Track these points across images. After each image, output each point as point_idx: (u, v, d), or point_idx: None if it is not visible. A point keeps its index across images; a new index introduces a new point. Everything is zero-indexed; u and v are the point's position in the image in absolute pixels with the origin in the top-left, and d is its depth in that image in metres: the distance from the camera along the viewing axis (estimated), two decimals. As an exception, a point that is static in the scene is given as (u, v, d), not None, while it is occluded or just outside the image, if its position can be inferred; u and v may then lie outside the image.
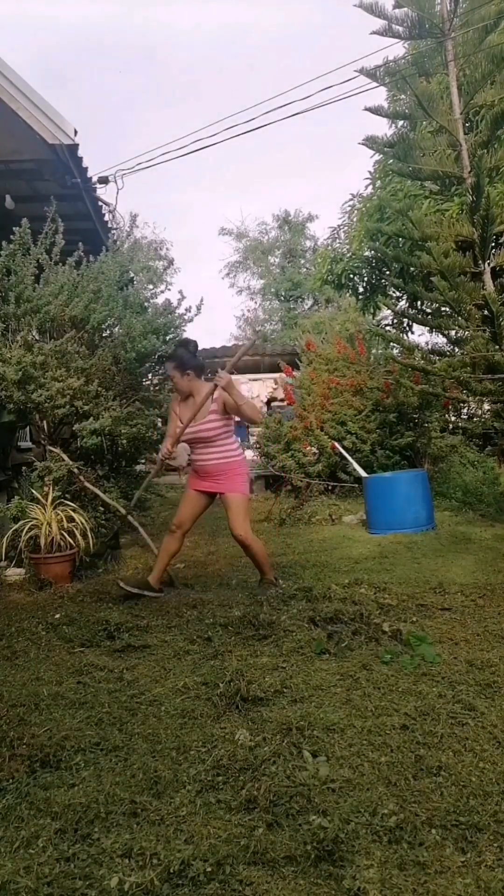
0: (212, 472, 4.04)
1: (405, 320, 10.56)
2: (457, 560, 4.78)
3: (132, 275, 6.92)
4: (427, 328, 8.49)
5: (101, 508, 5.43)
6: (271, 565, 4.31)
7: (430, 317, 8.23)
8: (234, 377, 13.48)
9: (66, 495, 5.07)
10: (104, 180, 7.82)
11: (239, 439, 4.19)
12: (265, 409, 14.01)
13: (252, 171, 49.09)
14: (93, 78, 47.47)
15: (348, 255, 10.85)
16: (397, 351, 8.96)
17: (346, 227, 11.49)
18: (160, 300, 6.81)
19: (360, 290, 11.44)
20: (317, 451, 8.13)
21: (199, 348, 4.50)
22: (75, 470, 5.15)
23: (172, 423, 4.14)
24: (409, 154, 6.79)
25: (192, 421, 3.93)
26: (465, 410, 10.01)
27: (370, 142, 7.30)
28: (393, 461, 8.03)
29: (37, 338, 5.33)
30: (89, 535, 4.82)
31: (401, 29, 6.74)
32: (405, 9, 6.60)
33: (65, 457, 5.23)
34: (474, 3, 6.48)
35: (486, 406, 8.71)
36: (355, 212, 11.09)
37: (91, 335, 5.80)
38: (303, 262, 29.89)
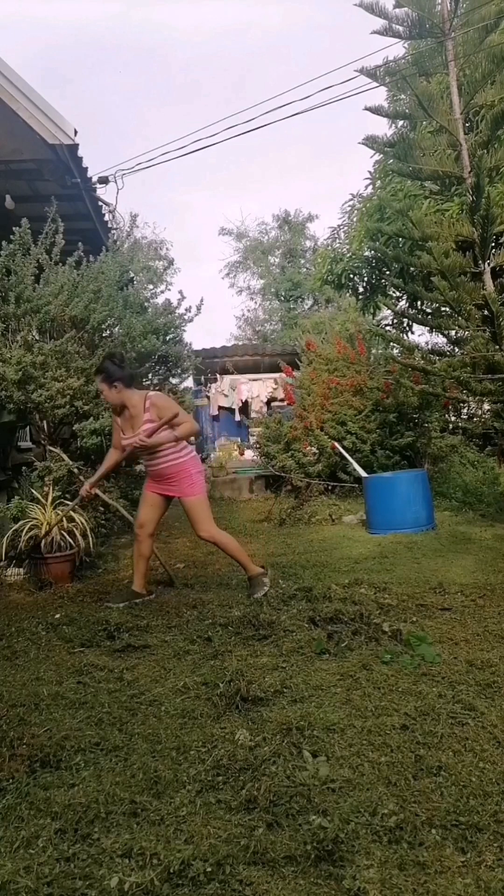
0: (164, 475, 4.06)
1: (405, 320, 10.56)
2: (457, 560, 4.78)
3: (132, 275, 6.93)
4: (427, 328, 8.49)
5: (101, 508, 5.43)
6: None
7: (430, 317, 8.23)
8: (233, 377, 13.44)
9: (66, 495, 5.07)
10: (104, 180, 7.83)
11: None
12: (265, 409, 14.02)
13: (252, 171, 49.09)
14: (93, 78, 47.44)
15: (348, 255, 10.85)
16: (397, 351, 8.96)
17: (346, 227, 11.49)
18: (160, 300, 6.83)
19: (360, 290, 11.43)
20: (317, 451, 8.13)
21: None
22: (75, 470, 5.14)
23: (115, 434, 4.17)
24: (409, 154, 6.79)
25: (132, 432, 3.98)
26: (465, 410, 10.01)
27: (370, 141, 7.31)
28: (393, 461, 8.03)
29: (37, 338, 5.34)
30: (89, 535, 4.82)
31: (401, 28, 6.75)
32: (405, 8, 6.60)
33: (65, 457, 5.23)
34: (474, 3, 6.48)
35: (486, 406, 8.70)
36: (355, 212, 11.10)
37: (91, 335, 5.80)
38: (303, 262, 29.85)
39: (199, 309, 6.88)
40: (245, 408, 15.30)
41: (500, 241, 8.03)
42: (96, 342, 5.90)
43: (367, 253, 10.52)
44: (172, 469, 4.02)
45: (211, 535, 4.07)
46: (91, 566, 5.09)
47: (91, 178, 7.46)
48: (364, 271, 10.94)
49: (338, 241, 11.57)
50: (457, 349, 7.27)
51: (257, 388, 15.45)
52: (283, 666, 2.80)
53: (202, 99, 46.10)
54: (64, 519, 4.71)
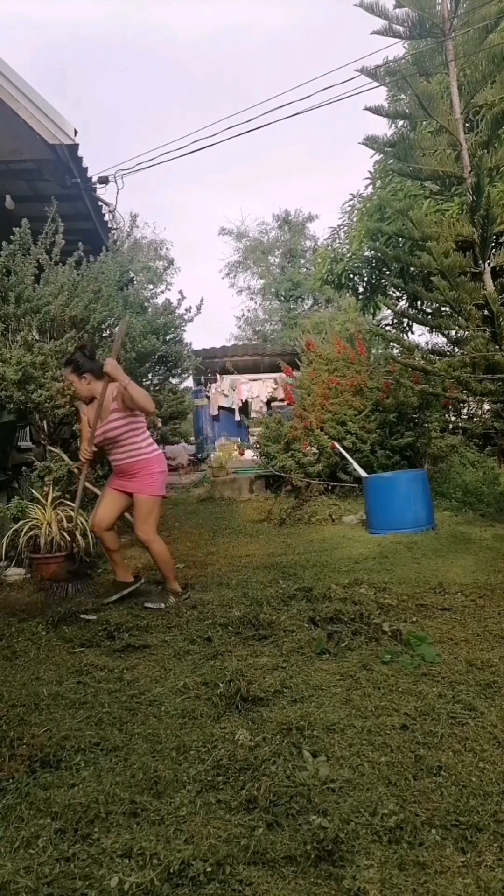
0: (125, 470, 4.02)
1: (405, 320, 10.56)
2: (457, 560, 4.78)
3: (132, 275, 6.93)
4: (427, 328, 8.49)
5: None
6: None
7: (430, 317, 8.23)
8: (233, 377, 13.44)
9: (66, 495, 5.07)
10: (104, 180, 7.84)
11: (149, 436, 4.10)
12: (265, 409, 14.01)
13: (252, 171, 49.15)
14: (93, 78, 47.53)
15: (348, 255, 10.85)
16: (397, 351, 8.96)
17: (346, 227, 11.50)
18: (160, 300, 6.84)
19: (360, 290, 11.44)
20: (317, 451, 8.13)
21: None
22: (75, 470, 5.14)
23: (84, 427, 4.11)
24: (410, 154, 6.79)
25: (98, 421, 3.91)
26: (465, 410, 10.01)
27: (370, 141, 7.31)
28: (393, 461, 8.03)
29: (37, 338, 5.34)
30: (89, 535, 4.82)
31: (401, 28, 6.75)
32: (406, 8, 6.60)
33: (65, 457, 5.23)
34: (475, 3, 6.48)
35: (486, 406, 8.71)
36: (355, 212, 11.10)
37: (91, 335, 5.80)
38: (303, 262, 29.89)
39: (198, 309, 6.89)
40: (245, 408, 15.30)
41: (500, 240, 8.03)
42: (96, 342, 5.90)
43: (367, 253, 10.53)
44: (137, 464, 3.99)
45: (149, 538, 4.03)
46: (91, 566, 5.09)
47: (91, 178, 7.47)
48: (364, 271, 10.95)
49: (338, 241, 11.57)
50: (457, 349, 7.27)
51: (257, 388, 15.46)
52: (283, 666, 2.80)
53: (202, 99, 46.17)
54: (64, 519, 4.72)
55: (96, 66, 47.84)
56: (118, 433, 3.95)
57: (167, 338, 6.60)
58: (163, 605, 3.91)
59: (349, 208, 11.51)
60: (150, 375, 6.76)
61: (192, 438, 16.23)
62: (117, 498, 4.11)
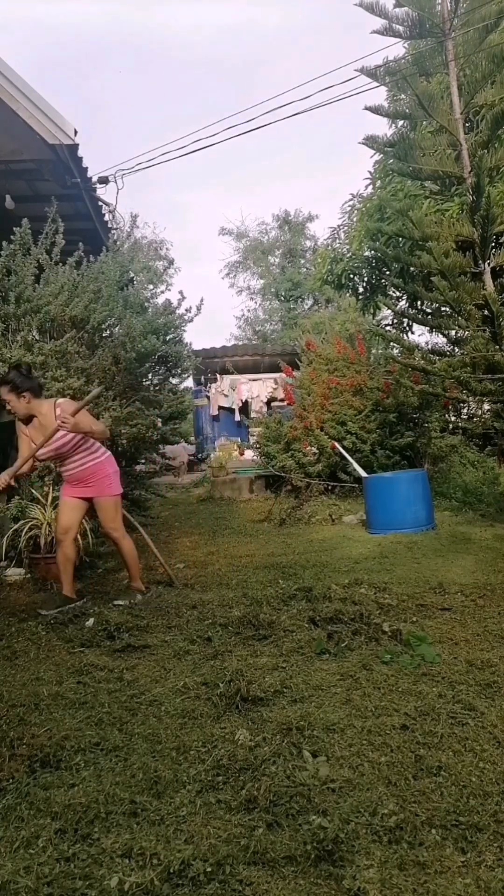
0: (80, 478, 4.04)
1: (405, 320, 10.57)
2: (457, 560, 4.78)
3: (132, 275, 6.93)
4: (427, 328, 8.50)
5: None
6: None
7: (430, 317, 8.23)
8: (233, 377, 13.38)
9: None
10: (104, 180, 7.84)
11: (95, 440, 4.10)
12: (265, 409, 14.01)
13: (252, 171, 49.17)
14: (93, 78, 47.50)
15: (348, 255, 10.86)
16: (397, 351, 8.96)
17: (346, 227, 11.51)
18: (160, 300, 6.83)
19: (360, 290, 11.45)
20: (317, 451, 8.13)
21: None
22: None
23: (24, 445, 4.04)
24: (410, 154, 6.80)
25: (46, 442, 3.88)
26: (465, 410, 10.01)
27: (370, 141, 7.31)
28: (393, 461, 8.03)
29: (37, 338, 5.34)
30: (89, 535, 4.82)
31: (401, 28, 6.76)
32: (405, 8, 6.61)
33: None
34: (474, 3, 6.49)
35: (486, 406, 8.71)
36: (355, 212, 11.11)
37: (91, 335, 5.80)
38: (303, 262, 29.87)
39: (199, 309, 6.87)
40: (245, 408, 15.30)
41: (501, 241, 8.03)
42: (96, 342, 5.90)
43: (367, 253, 10.53)
44: (90, 470, 4.02)
45: (119, 534, 4.10)
46: (91, 566, 5.09)
47: (91, 178, 7.47)
48: (364, 271, 10.96)
49: (338, 241, 11.59)
50: (457, 349, 7.28)
51: (257, 388, 15.46)
52: (283, 666, 2.80)
53: (202, 99, 46.19)
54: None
55: (96, 66, 47.84)
56: (70, 447, 3.96)
57: (167, 338, 6.59)
58: (129, 603, 3.95)
59: (349, 208, 11.53)
60: (150, 375, 6.75)
61: (192, 438, 16.23)
62: (76, 505, 4.11)
